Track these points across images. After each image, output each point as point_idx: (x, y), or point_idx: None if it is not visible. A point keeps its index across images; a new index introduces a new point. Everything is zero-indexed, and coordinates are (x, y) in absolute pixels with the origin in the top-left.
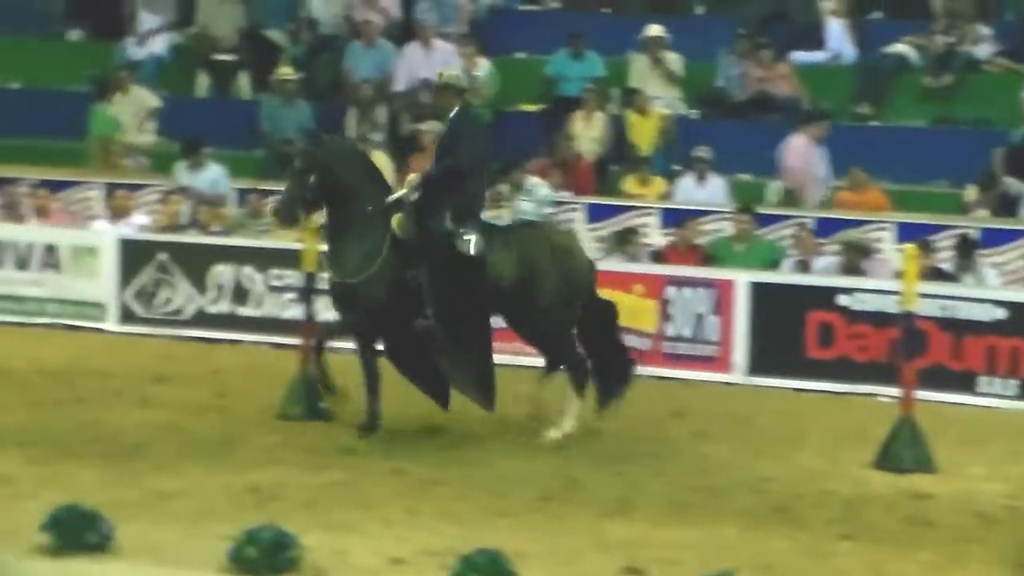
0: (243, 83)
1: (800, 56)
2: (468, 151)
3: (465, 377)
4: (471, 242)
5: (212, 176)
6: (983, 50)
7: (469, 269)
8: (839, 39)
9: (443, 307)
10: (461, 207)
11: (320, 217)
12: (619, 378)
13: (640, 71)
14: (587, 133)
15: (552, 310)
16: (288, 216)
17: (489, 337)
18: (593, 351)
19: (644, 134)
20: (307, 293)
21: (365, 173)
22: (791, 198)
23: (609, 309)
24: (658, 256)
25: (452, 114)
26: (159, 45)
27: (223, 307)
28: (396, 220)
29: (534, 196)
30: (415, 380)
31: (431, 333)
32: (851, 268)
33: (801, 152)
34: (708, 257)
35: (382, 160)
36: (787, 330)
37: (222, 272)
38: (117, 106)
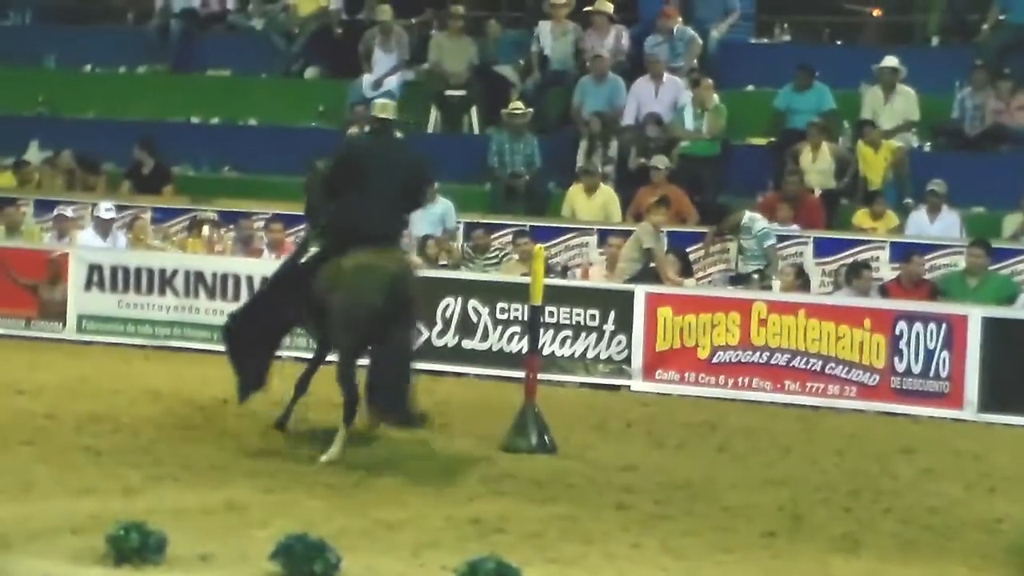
0: (473, 118)
1: None
2: (335, 173)
3: (243, 368)
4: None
5: (441, 210)
6: None
7: (297, 279)
8: None
9: (257, 308)
10: (325, 223)
11: None
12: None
13: (872, 103)
14: (814, 166)
15: (334, 326)
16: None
17: (273, 342)
18: (372, 371)
19: (875, 167)
20: (533, 326)
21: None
22: None
23: (402, 341)
24: (882, 291)
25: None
26: (392, 83)
27: (449, 340)
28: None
29: (753, 231)
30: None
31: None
32: None
33: None
34: (936, 292)
35: (608, 194)
36: (1022, 366)
37: (449, 305)
38: None
